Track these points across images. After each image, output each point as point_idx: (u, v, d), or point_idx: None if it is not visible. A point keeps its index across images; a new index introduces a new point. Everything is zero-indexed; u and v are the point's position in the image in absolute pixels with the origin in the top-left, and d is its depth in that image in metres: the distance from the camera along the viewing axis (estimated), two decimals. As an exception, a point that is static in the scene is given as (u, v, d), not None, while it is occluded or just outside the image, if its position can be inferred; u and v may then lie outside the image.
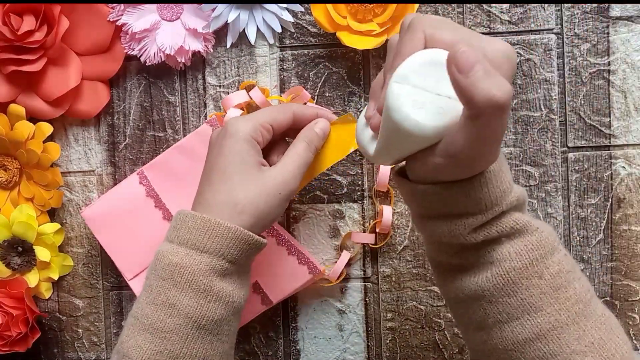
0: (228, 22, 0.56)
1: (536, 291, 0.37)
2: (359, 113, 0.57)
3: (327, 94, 0.57)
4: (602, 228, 0.56)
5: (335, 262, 0.56)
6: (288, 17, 0.56)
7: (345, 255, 0.56)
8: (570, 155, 0.56)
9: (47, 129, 0.57)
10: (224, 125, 0.47)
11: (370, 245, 0.57)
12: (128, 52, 0.57)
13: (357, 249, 0.57)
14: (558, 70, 0.55)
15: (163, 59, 0.56)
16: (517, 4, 0.55)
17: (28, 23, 0.53)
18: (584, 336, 0.37)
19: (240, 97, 0.56)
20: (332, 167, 0.57)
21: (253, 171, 0.45)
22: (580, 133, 0.55)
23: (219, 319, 0.44)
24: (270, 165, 0.48)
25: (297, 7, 0.56)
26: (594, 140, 0.55)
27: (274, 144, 0.50)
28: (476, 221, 0.38)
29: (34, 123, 0.57)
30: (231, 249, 0.44)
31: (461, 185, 0.37)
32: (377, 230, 0.56)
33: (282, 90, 0.57)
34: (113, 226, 0.57)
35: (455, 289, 0.40)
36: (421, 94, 0.34)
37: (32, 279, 0.58)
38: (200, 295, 0.43)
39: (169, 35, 0.56)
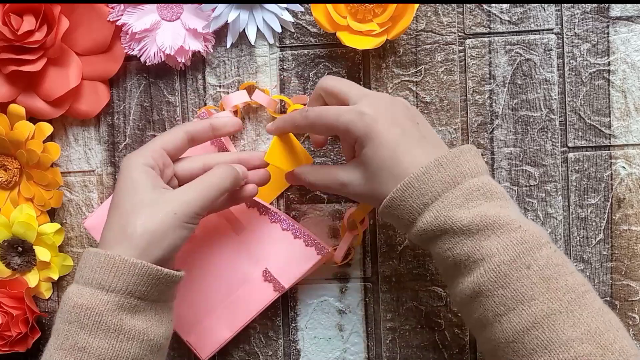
0: (228, 22, 0.56)
1: (527, 282, 0.40)
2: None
3: (327, 94, 0.57)
4: (602, 228, 0.56)
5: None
6: (288, 17, 0.56)
7: (349, 236, 0.56)
8: (570, 155, 0.56)
9: (47, 129, 0.57)
10: None
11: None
12: (128, 52, 0.57)
13: (360, 230, 0.56)
14: (558, 70, 0.55)
15: (163, 59, 0.56)
16: (517, 4, 0.55)
17: (28, 23, 0.53)
18: (579, 324, 0.38)
19: (240, 97, 0.56)
20: (332, 167, 0.57)
21: (146, 195, 0.44)
22: (580, 133, 0.55)
23: (135, 359, 0.42)
24: None
25: (297, 7, 0.56)
26: (594, 140, 0.55)
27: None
28: (448, 200, 0.42)
29: (34, 123, 0.57)
30: (138, 285, 0.42)
31: (420, 169, 0.43)
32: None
33: (282, 90, 0.57)
34: None
35: (460, 292, 0.43)
36: None
37: (32, 279, 0.58)
38: (111, 336, 0.41)
39: (169, 35, 0.56)
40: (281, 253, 0.55)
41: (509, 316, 0.39)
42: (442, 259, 0.44)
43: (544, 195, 0.56)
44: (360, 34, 0.53)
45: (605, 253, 0.56)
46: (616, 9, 0.55)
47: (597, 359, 0.37)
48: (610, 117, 0.55)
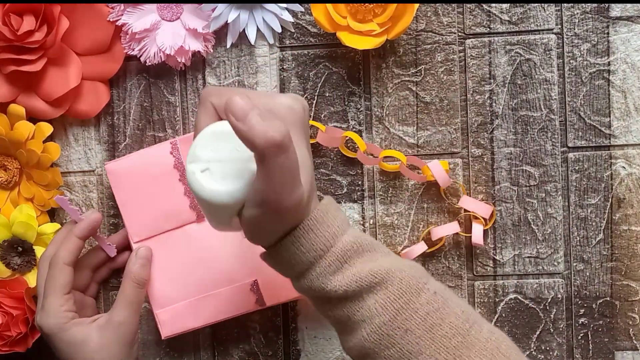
0: (228, 22, 0.56)
1: (411, 337, 0.39)
2: (358, 113, 0.57)
3: (327, 94, 0.57)
4: (602, 228, 0.56)
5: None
6: (288, 17, 0.56)
7: None
8: (570, 155, 0.56)
9: (47, 129, 0.57)
10: None
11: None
12: (128, 52, 0.57)
13: None
14: (558, 70, 0.55)
15: (163, 59, 0.56)
16: (517, 4, 0.55)
17: (28, 23, 0.53)
18: None
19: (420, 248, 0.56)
20: (331, 167, 0.57)
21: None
22: (580, 133, 0.55)
23: None
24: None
25: (297, 7, 0.56)
26: (594, 140, 0.55)
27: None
28: (321, 269, 0.40)
29: (34, 123, 0.57)
30: None
31: (288, 238, 0.40)
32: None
33: (281, 90, 0.57)
34: (133, 186, 0.56)
35: (348, 349, 0.42)
36: (214, 165, 0.39)
37: (32, 279, 0.58)
38: None
39: (169, 36, 0.56)
40: (276, 273, 0.55)
41: None
42: (324, 316, 0.43)
43: (544, 195, 0.56)
44: (360, 34, 0.53)
45: (605, 253, 0.56)
46: (616, 9, 0.55)
47: None
48: (610, 117, 0.55)
